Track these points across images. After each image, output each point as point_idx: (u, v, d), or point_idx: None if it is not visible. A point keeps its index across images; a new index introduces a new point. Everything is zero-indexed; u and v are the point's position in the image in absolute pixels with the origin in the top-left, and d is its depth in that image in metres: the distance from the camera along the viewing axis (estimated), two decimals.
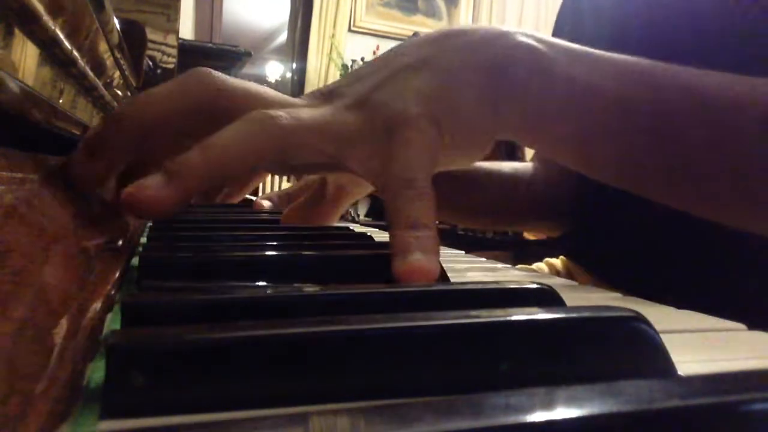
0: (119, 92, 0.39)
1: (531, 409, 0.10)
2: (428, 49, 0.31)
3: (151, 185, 0.25)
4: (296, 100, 0.32)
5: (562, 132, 0.33)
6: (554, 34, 0.65)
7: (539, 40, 0.32)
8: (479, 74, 0.31)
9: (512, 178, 0.63)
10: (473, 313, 0.15)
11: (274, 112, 0.28)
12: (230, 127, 0.27)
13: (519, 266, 0.59)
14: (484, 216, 0.65)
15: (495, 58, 0.31)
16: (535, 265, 0.67)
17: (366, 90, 0.30)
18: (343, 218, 0.69)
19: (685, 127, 0.31)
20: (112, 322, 0.18)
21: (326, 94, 0.32)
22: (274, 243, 0.32)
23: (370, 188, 0.48)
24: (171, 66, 0.73)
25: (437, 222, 0.28)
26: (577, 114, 0.32)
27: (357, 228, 0.56)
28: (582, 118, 0.32)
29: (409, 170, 0.28)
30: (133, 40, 0.44)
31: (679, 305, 0.28)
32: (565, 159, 0.35)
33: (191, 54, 1.25)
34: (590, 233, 0.58)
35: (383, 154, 0.28)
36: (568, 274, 0.62)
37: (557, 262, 0.65)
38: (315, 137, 0.29)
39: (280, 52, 3.48)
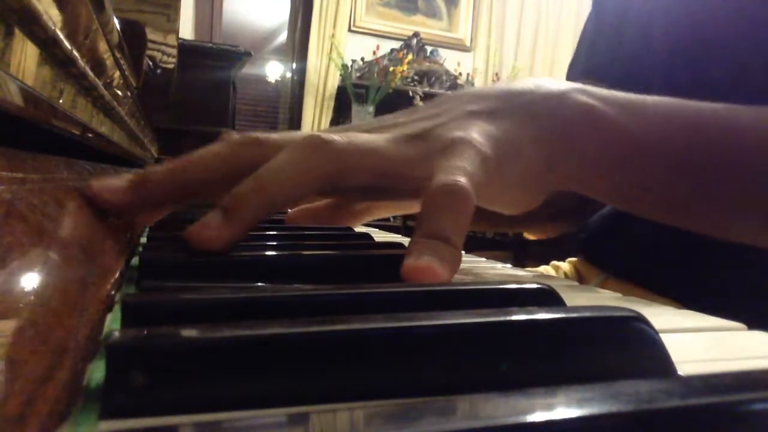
0: (119, 92, 0.39)
1: (531, 409, 0.10)
2: (494, 102, 0.33)
3: (211, 224, 0.26)
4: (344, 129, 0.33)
5: (610, 182, 0.35)
6: (581, 41, 0.67)
7: (597, 97, 0.34)
8: (540, 130, 0.32)
9: None
10: (473, 313, 0.15)
11: (327, 135, 0.28)
12: (283, 155, 0.28)
13: (526, 269, 0.59)
14: (485, 219, 0.65)
15: (555, 117, 0.33)
16: (542, 268, 0.67)
17: (428, 125, 0.31)
18: None
19: (726, 168, 0.33)
20: (112, 322, 0.18)
21: (383, 126, 0.33)
22: (275, 243, 0.32)
23: (396, 212, 0.48)
24: (171, 66, 0.73)
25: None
26: (628, 166, 0.34)
27: (357, 228, 0.56)
28: (632, 170, 0.34)
29: (455, 173, 0.27)
30: (133, 40, 0.44)
31: (680, 303, 0.28)
32: (610, 201, 0.37)
33: (191, 54, 1.24)
34: (599, 233, 0.59)
35: (437, 169, 0.28)
36: (576, 276, 0.62)
37: (564, 265, 0.65)
38: (371, 160, 0.29)
39: (280, 52, 3.48)
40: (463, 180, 0.26)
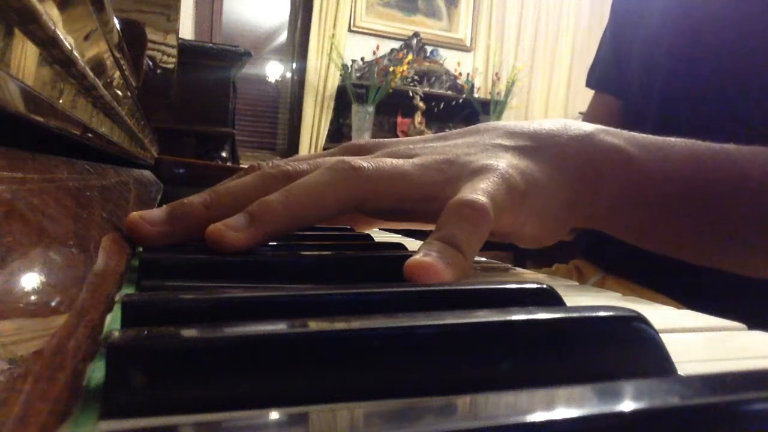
0: (119, 92, 0.39)
1: (531, 409, 0.10)
2: (525, 140, 0.34)
3: (234, 226, 0.26)
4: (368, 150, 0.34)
5: (630, 221, 0.36)
6: (599, 49, 0.68)
7: (621, 138, 0.35)
8: (567, 170, 0.33)
9: None
10: (474, 313, 0.15)
11: (355, 162, 0.29)
12: (313, 175, 0.29)
13: (529, 270, 0.59)
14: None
15: (582, 158, 0.34)
16: (544, 270, 0.67)
17: (459, 152, 0.32)
18: None
19: (738, 205, 0.35)
20: (112, 322, 0.18)
21: (414, 147, 0.34)
22: (275, 243, 0.32)
23: (414, 226, 0.49)
24: (171, 66, 0.72)
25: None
26: (648, 206, 0.35)
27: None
28: (652, 209, 0.35)
29: (478, 192, 0.27)
30: (133, 40, 0.44)
31: (680, 302, 0.28)
32: (629, 239, 0.38)
33: (191, 54, 1.24)
34: (600, 234, 0.59)
35: (462, 189, 0.29)
36: (576, 275, 0.62)
37: (564, 267, 0.66)
38: (398, 186, 0.30)
39: (280, 52, 3.47)
40: (484, 199, 0.27)
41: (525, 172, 0.31)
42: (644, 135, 0.36)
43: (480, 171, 0.30)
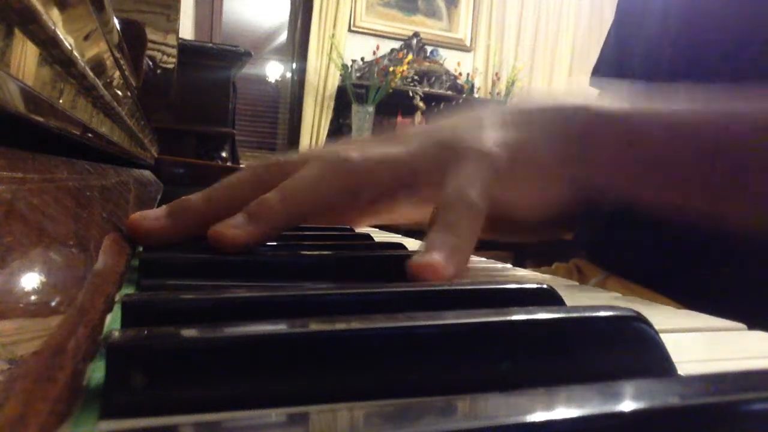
0: (119, 92, 0.39)
1: (531, 409, 0.10)
2: (506, 116, 0.34)
3: (234, 224, 0.27)
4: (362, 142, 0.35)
5: (621, 177, 0.36)
6: (603, 47, 0.68)
7: (609, 105, 0.35)
8: (551, 132, 0.33)
9: None
10: (474, 312, 0.15)
11: (344, 153, 0.31)
12: (306, 169, 0.30)
13: (529, 269, 0.59)
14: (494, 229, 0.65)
15: (564, 119, 0.34)
16: (544, 270, 0.67)
17: (442, 135, 0.33)
18: None
19: (740, 155, 0.34)
20: (112, 322, 0.18)
21: (398, 137, 0.34)
22: (275, 242, 0.32)
23: (403, 219, 0.49)
24: (171, 66, 0.72)
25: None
26: (638, 157, 0.34)
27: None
28: (642, 160, 0.35)
29: (466, 184, 0.29)
30: (133, 40, 0.44)
31: (680, 303, 0.28)
32: (628, 195, 0.37)
33: (191, 54, 1.24)
34: (602, 234, 0.59)
35: (449, 176, 0.30)
36: (577, 275, 0.62)
37: (565, 266, 0.66)
38: (388, 170, 0.31)
39: (280, 52, 3.48)
40: (472, 191, 0.28)
41: (508, 144, 0.32)
42: (645, 98, 0.36)
43: (463, 154, 0.31)
